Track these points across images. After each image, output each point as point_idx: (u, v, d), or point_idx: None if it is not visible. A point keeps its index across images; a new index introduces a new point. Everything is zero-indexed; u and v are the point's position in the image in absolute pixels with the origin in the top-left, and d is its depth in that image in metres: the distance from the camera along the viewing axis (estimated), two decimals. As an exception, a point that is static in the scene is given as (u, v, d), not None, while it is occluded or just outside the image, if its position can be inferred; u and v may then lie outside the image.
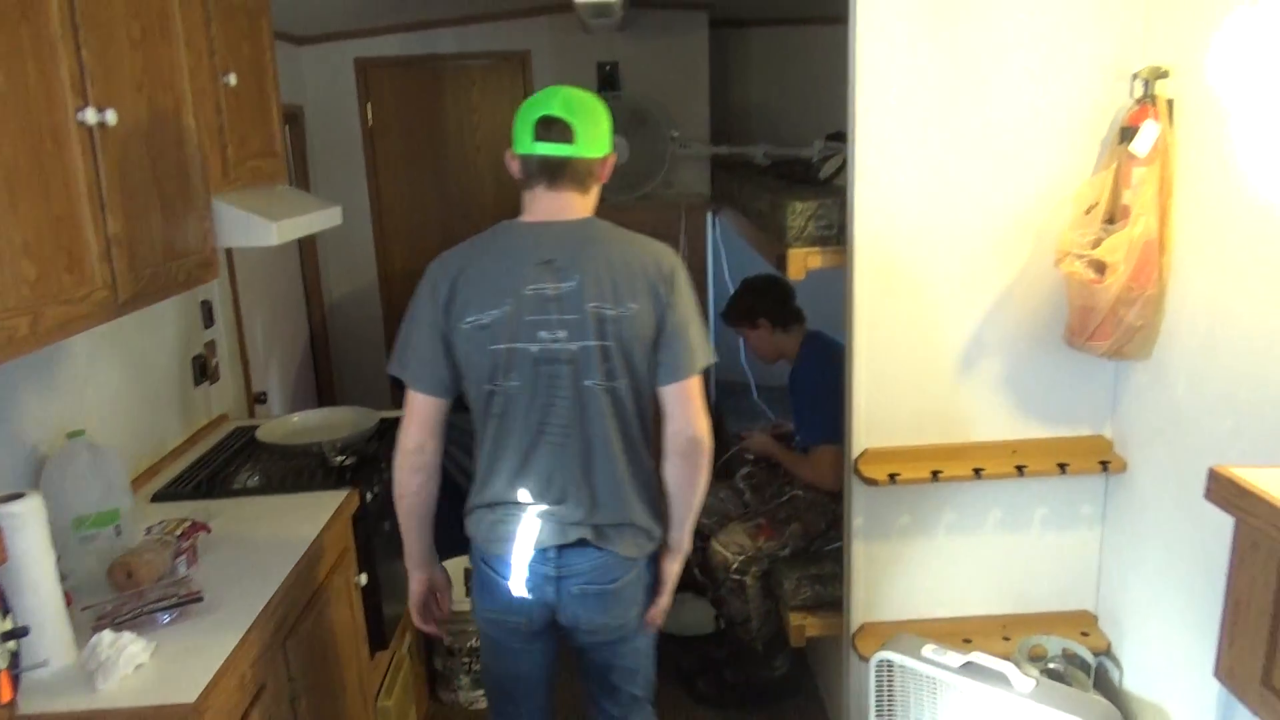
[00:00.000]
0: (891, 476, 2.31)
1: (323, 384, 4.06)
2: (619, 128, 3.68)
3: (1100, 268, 2.04)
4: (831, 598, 2.68)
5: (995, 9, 2.12)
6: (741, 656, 2.97)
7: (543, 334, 1.75)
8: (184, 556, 1.89)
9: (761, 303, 2.95)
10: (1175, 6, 2.02)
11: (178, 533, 1.93)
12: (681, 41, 3.89)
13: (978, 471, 2.31)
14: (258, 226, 2.20)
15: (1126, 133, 2.06)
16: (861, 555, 2.47)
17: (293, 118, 3.78)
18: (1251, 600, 1.39)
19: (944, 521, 2.45)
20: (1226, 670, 1.47)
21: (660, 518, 1.92)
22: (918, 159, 2.19)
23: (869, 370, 2.34)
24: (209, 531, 2.03)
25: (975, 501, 2.43)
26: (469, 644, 2.97)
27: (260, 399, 3.34)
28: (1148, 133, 2.01)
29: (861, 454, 2.38)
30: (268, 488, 2.39)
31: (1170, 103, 2.02)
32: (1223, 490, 1.40)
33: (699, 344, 1.81)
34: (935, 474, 2.31)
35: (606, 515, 1.83)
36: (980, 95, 2.17)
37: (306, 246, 3.92)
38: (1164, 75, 2.03)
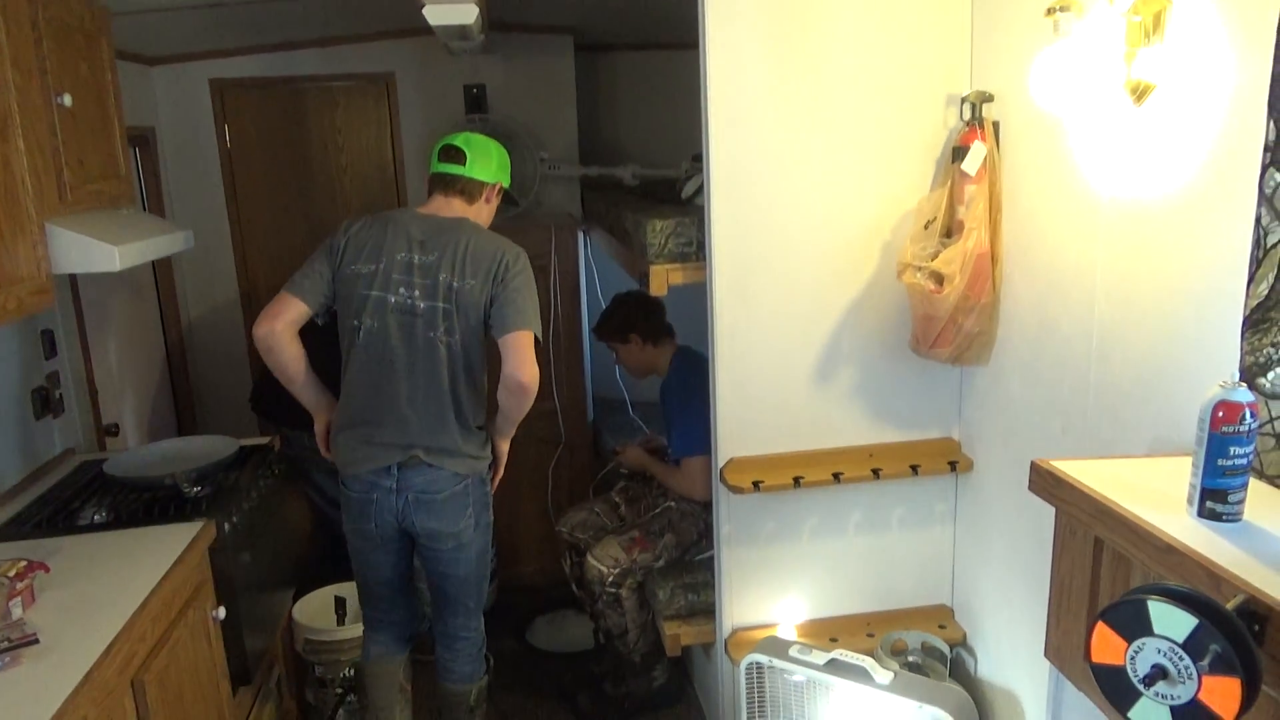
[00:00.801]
0: (755, 484, 2.37)
1: (183, 412, 3.89)
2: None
3: (939, 279, 2.16)
4: (705, 605, 2.73)
5: (837, 37, 2.23)
6: (621, 669, 2.99)
7: (402, 290, 2.28)
8: (18, 598, 1.78)
9: (632, 318, 2.99)
10: (996, 36, 2.18)
11: (11, 573, 1.82)
12: (548, 64, 3.92)
13: (837, 476, 2.41)
14: (98, 251, 2.12)
15: (958, 152, 2.19)
16: (730, 562, 2.53)
17: (143, 140, 3.63)
18: (1072, 583, 1.50)
19: (808, 526, 2.54)
20: (1054, 650, 1.57)
21: (485, 445, 2.41)
22: (770, 176, 2.28)
23: (731, 381, 2.41)
24: (47, 571, 1.92)
25: (837, 505, 2.53)
26: (341, 674, 2.90)
27: (111, 431, 3.17)
28: (976, 153, 2.14)
29: (727, 463, 2.44)
30: (116, 523, 2.28)
31: (996, 124, 2.17)
32: (1042, 481, 1.51)
33: (527, 312, 2.28)
34: (797, 480, 2.39)
35: (435, 440, 2.30)
36: (826, 117, 2.27)
37: (162, 272, 3.76)
38: (989, 99, 2.17)
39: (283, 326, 2.31)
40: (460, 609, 2.52)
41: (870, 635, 2.53)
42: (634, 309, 3.01)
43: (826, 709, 2.23)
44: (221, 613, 2.25)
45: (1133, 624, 0.92)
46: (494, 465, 2.52)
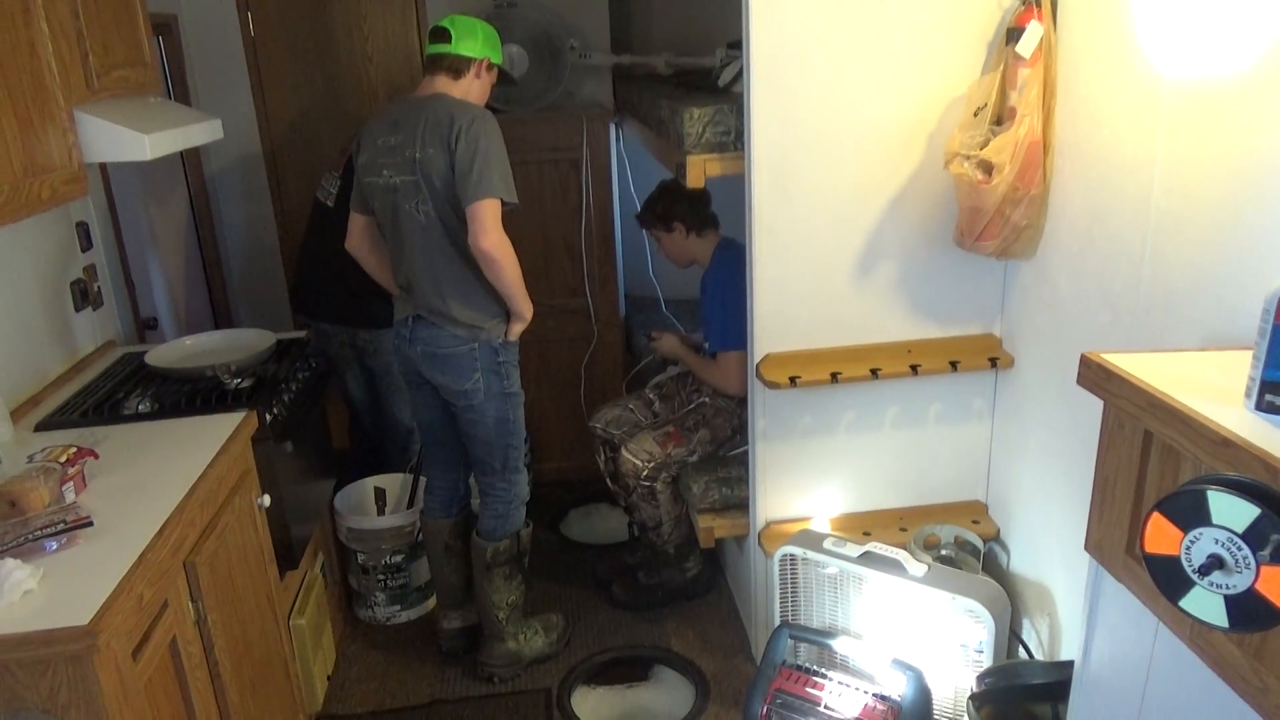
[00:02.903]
0: (792, 379, 2.36)
1: (218, 307, 3.91)
2: (517, 39, 3.61)
3: (988, 169, 2.08)
4: (738, 499, 2.75)
5: (887, -93, 2.11)
6: (654, 560, 3.05)
7: (386, 171, 2.44)
8: (70, 483, 1.83)
9: (677, 206, 2.92)
10: (1060, -96, 2.04)
11: (62, 459, 1.86)
12: (579, -55, 3.77)
13: (875, 372, 2.38)
14: (128, 139, 2.09)
15: (1012, 34, 2.09)
16: (765, 457, 2.54)
17: (165, 28, 3.55)
18: (1118, 477, 1.48)
19: (844, 421, 2.53)
20: (1095, 544, 1.56)
21: (483, 310, 2.50)
22: (812, 64, 2.19)
23: (769, 275, 2.37)
24: (96, 457, 1.97)
25: (873, 401, 2.51)
26: (383, 561, 2.98)
27: (150, 324, 3.21)
28: (1032, 33, 2.04)
29: (763, 358, 2.43)
30: (160, 413, 2.32)
31: (1054, 2, 2.06)
32: (1092, 375, 1.48)
33: (486, 178, 2.32)
34: (834, 376, 2.37)
35: (433, 304, 2.49)
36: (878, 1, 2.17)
37: (192, 166, 3.73)
38: (1049, -25, 2.05)
39: (356, 241, 2.64)
40: (485, 468, 2.69)
41: (903, 530, 2.55)
42: (680, 196, 2.92)
43: (860, 601, 2.26)
44: (266, 500, 2.30)
45: (1190, 514, 0.90)
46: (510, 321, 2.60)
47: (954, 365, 2.40)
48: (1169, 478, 1.36)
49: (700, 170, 2.39)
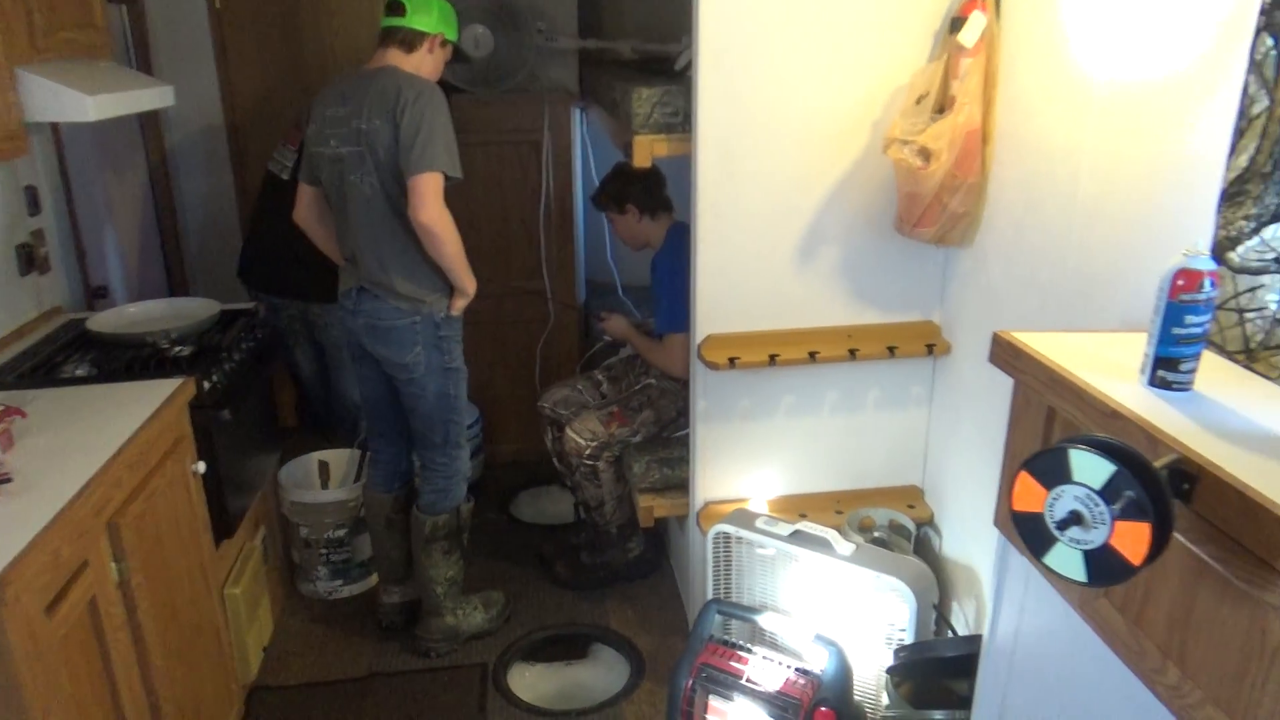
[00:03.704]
0: (731, 360, 2.38)
1: (174, 278, 3.89)
2: (483, 19, 3.60)
3: (926, 155, 2.11)
4: (679, 480, 2.77)
5: (834, -107, 2.13)
6: (598, 540, 3.06)
7: (333, 142, 2.44)
8: (-5, 440, 1.82)
9: (631, 188, 2.94)
10: (1002, -104, 2.07)
11: (-13, 416, 1.85)
12: (547, -74, 3.77)
13: (813, 355, 2.41)
14: (70, 100, 2.08)
15: (956, 23, 2.12)
16: (705, 438, 2.56)
17: (129, -4, 3.53)
18: (1024, 452, 1.51)
19: (783, 404, 2.56)
20: (1002, 519, 1.59)
21: (425, 284, 2.50)
22: (760, 48, 2.21)
23: (712, 257, 2.39)
24: (24, 416, 1.95)
25: (813, 385, 2.54)
26: (325, 535, 2.98)
27: (100, 293, 3.18)
28: (975, 23, 2.07)
29: (705, 339, 2.45)
30: (96, 378, 2.31)
31: (996, -6, 2.09)
32: (1002, 352, 1.51)
33: (429, 151, 2.32)
34: (773, 357, 2.39)
35: (375, 277, 2.49)
36: (821, -17, 2.19)
37: (153, 137, 3.71)
38: (990, -35, 2.08)
39: (304, 212, 2.64)
40: (426, 442, 2.69)
41: (839, 512, 2.58)
42: (634, 178, 2.94)
43: (789, 579, 2.29)
44: (201, 467, 2.29)
45: (1053, 471, 0.92)
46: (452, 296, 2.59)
47: (891, 351, 2.43)
48: (1068, 452, 1.39)
49: (647, 150, 2.41)
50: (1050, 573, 0.95)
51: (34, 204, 2.78)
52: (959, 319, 2.42)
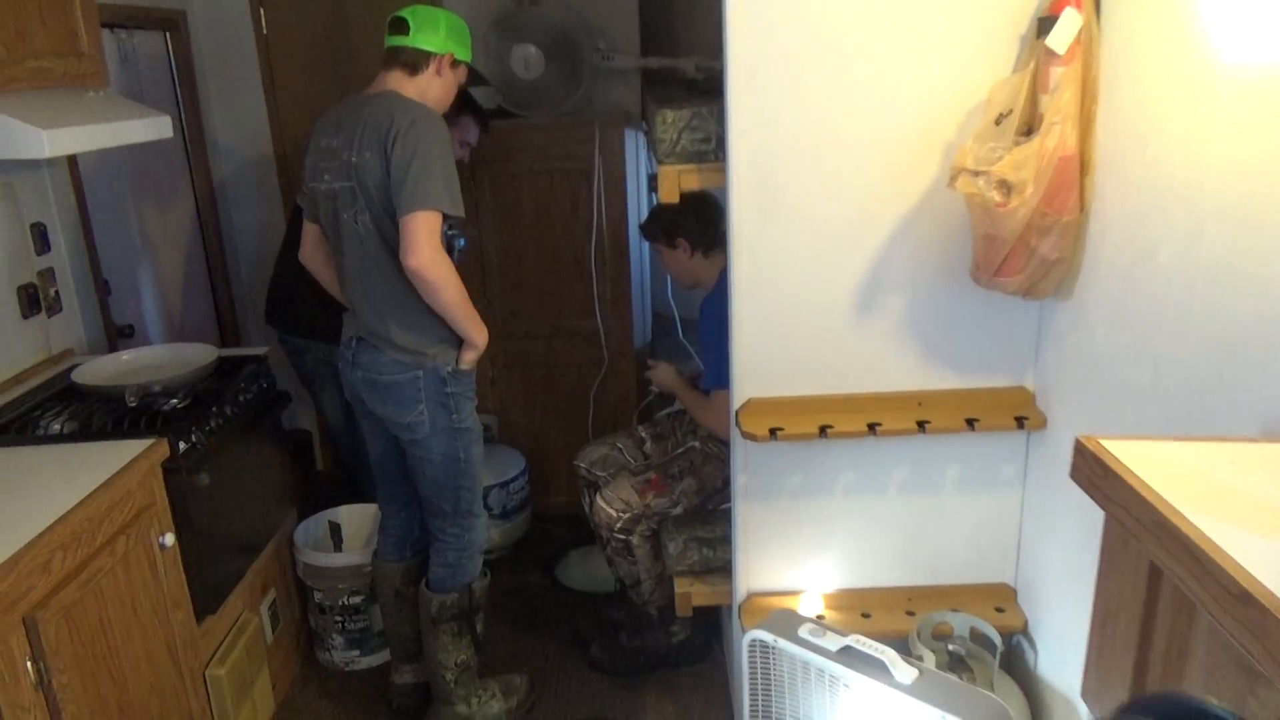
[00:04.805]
0: (773, 431, 2.00)
1: (223, 315, 3.75)
2: (534, 39, 3.33)
3: (1006, 188, 1.69)
4: (721, 562, 2.40)
5: None
6: (638, 620, 2.71)
7: (327, 177, 2.19)
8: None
9: (684, 220, 2.57)
10: None
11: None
12: (608, -62, 3.48)
13: (873, 428, 2.00)
14: (22, 135, 1.88)
15: (1044, 25, 1.69)
16: (749, 518, 2.18)
17: (172, 24, 3.41)
18: (1120, 612, 1.09)
19: (841, 482, 2.15)
20: (1092, 694, 1.17)
21: (428, 334, 2.21)
22: (804, 54, 1.84)
23: (752, 307, 2.02)
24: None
25: (876, 459, 2.13)
26: (341, 601, 2.72)
27: (125, 331, 3.04)
28: (1067, 23, 1.64)
29: (744, 404, 2.07)
30: (75, 435, 2.11)
31: (1098, -16, 1.66)
32: (1088, 469, 1.10)
33: (421, 188, 2.04)
34: (824, 429, 2.00)
35: (373, 326, 2.23)
36: (882, -20, 1.80)
37: (199, 167, 3.58)
38: (1092, -51, 1.65)
39: (309, 252, 2.40)
40: (435, 511, 2.40)
41: (910, 614, 2.16)
42: (686, 209, 2.57)
43: (835, 705, 1.88)
44: (169, 539, 2.05)
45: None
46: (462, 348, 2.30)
47: (971, 424, 2.00)
48: (1180, 632, 0.97)
49: (674, 182, 2.06)
50: None
51: (43, 241, 2.63)
52: (1057, 386, 1.96)
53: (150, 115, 2.33)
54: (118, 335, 3.01)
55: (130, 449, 2.01)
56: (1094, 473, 1.07)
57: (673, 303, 3.58)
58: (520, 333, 3.43)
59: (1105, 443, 1.09)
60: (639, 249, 3.61)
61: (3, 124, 1.87)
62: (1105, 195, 1.69)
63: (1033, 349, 2.04)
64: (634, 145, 3.42)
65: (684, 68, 3.42)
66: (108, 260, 3.00)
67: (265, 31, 3.58)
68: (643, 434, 2.79)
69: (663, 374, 2.70)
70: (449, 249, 2.18)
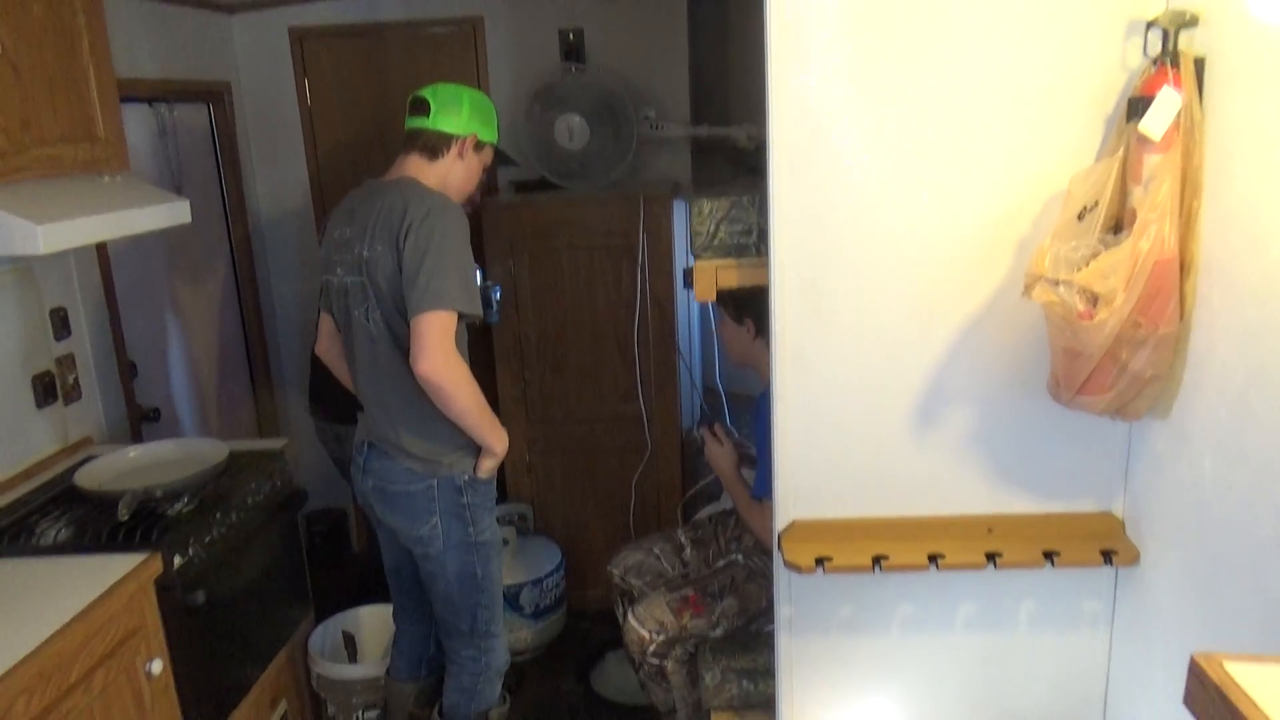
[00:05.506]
0: (820, 562, 1.75)
1: (259, 389, 3.65)
2: (579, 108, 3.19)
3: (1092, 299, 1.44)
4: (764, 698, 2.14)
5: (956, -66, 1.54)
6: (675, 749, 2.45)
7: (339, 270, 2.07)
8: None
9: (757, 300, 2.34)
10: (1209, -79, 1.41)
11: None
12: (656, 3, 3.34)
13: (934, 560, 1.74)
14: (17, 230, 1.77)
15: (1135, 106, 1.46)
16: (793, 654, 1.93)
17: (216, 96, 3.36)
18: None
19: (898, 616, 1.89)
20: None
21: (442, 440, 2.05)
22: (857, 139, 1.63)
23: (797, 419, 1.79)
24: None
25: (939, 592, 1.87)
26: (355, 716, 2.53)
27: (151, 416, 2.94)
28: (1164, 105, 1.41)
29: (788, 527, 1.84)
30: (66, 547, 1.98)
31: (1199, 61, 1.42)
32: (1204, 695, 0.85)
33: (431, 287, 1.89)
34: (878, 561, 1.75)
35: (383, 431, 2.08)
36: (943, 54, 1.59)
37: (239, 239, 3.51)
38: (1190, 23, 1.42)
39: (325, 345, 2.30)
40: (450, 630, 2.24)
41: (980, 768, 1.87)
42: (764, 291, 2.33)
43: None
44: (157, 666, 1.89)
45: None
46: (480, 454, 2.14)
47: (1050, 558, 1.73)
48: None
49: (710, 279, 1.86)
50: None
51: (64, 326, 2.55)
52: (1151, 515, 1.69)
53: (167, 200, 2.22)
54: (142, 420, 2.91)
55: (119, 566, 1.86)
56: (1212, 699, 0.82)
57: (720, 385, 3.37)
58: (559, 417, 3.24)
59: (1230, 666, 0.84)
60: (688, 322, 3.42)
61: (-2, 218, 1.76)
62: (1211, 304, 1.43)
63: (1121, 471, 1.76)
64: (682, 217, 3.24)
65: (735, 137, 3.26)
66: (136, 340, 2.91)
67: (309, 102, 3.52)
68: (682, 539, 2.55)
69: (720, 456, 2.39)
70: (485, 302, 2.05)
